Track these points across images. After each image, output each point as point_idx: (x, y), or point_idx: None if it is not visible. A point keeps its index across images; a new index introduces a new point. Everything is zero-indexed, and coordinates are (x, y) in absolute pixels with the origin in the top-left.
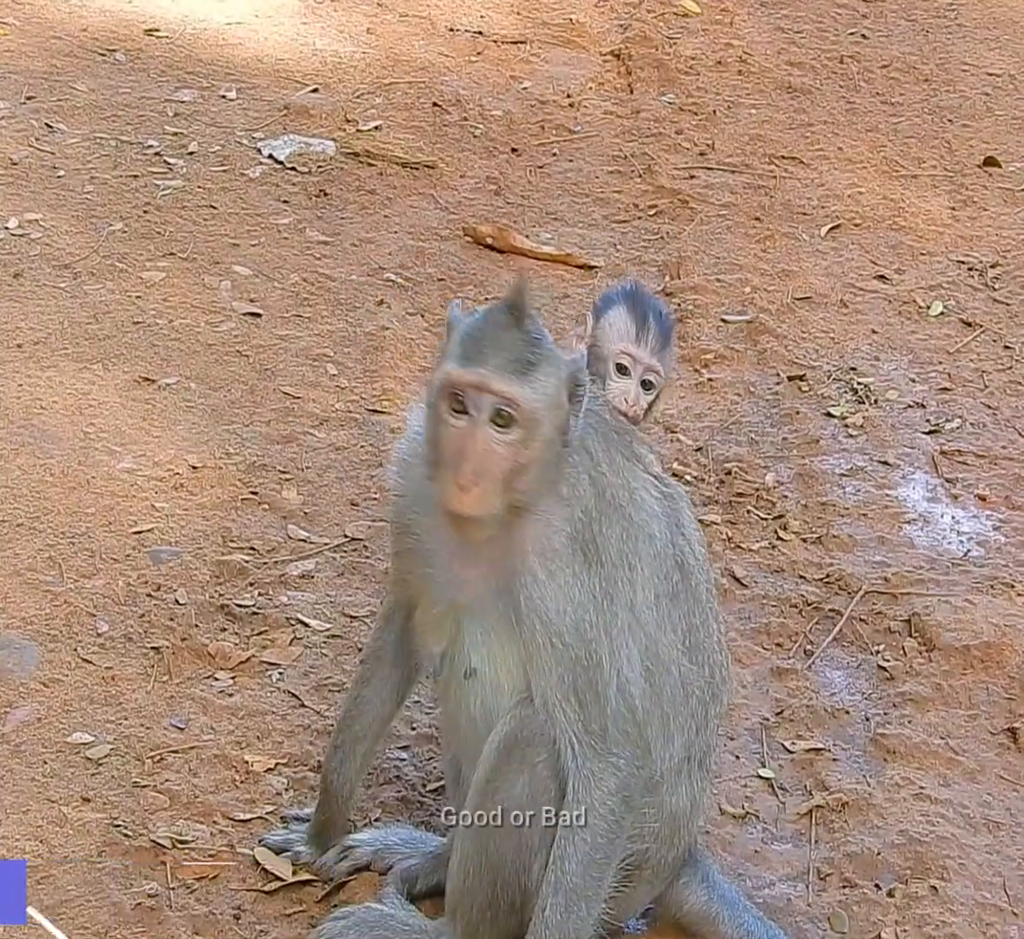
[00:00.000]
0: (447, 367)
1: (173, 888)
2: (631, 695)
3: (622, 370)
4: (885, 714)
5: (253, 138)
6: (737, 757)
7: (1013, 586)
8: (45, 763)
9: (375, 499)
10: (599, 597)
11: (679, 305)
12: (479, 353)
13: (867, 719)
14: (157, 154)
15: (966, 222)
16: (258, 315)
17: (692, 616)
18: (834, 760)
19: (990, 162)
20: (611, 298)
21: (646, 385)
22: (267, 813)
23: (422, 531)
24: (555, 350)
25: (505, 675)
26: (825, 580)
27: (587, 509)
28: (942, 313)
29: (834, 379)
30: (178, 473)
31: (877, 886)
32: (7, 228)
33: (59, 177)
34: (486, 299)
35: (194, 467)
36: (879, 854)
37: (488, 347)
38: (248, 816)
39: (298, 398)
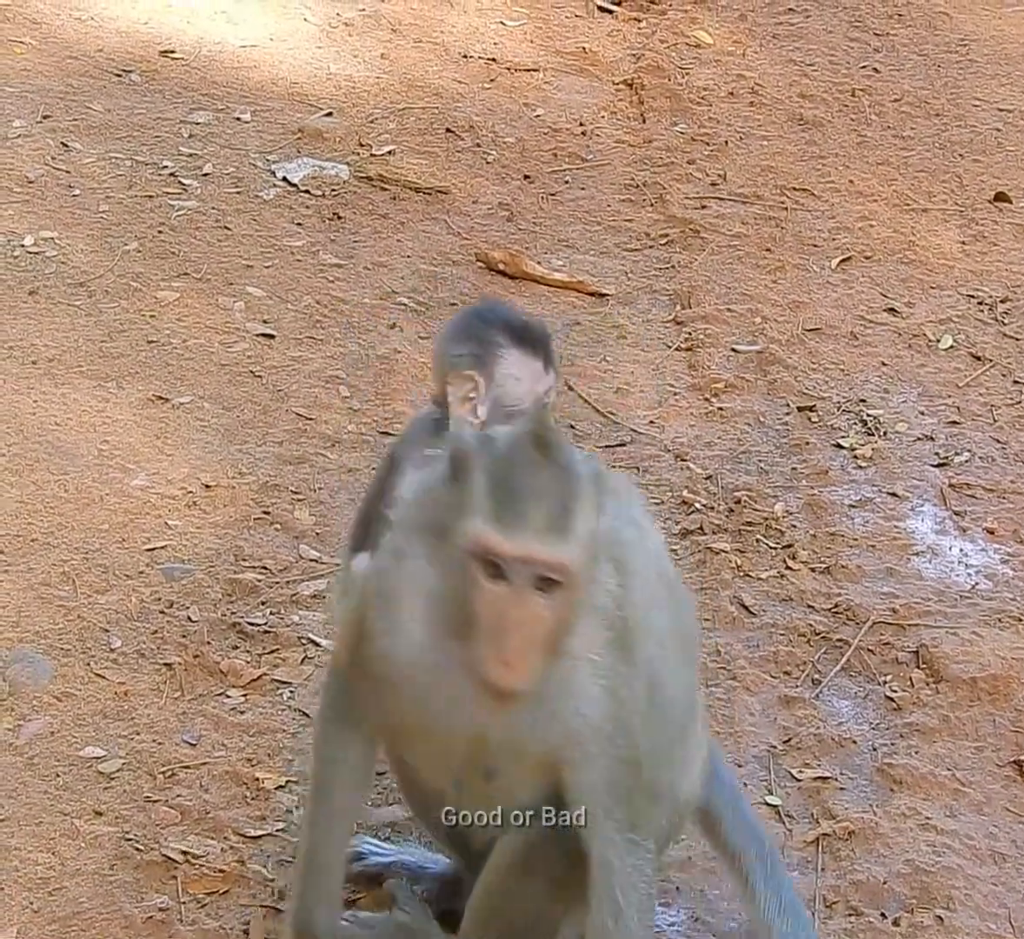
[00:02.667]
0: (478, 528)
1: (184, 902)
2: (678, 788)
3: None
4: (892, 744)
5: (267, 160)
6: (745, 784)
7: (1021, 620)
8: (58, 776)
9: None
10: (641, 691)
11: (690, 334)
12: (515, 513)
13: (874, 749)
14: (172, 175)
15: (976, 256)
16: (271, 336)
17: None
18: (841, 789)
19: (1001, 197)
20: (491, 341)
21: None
22: (277, 830)
23: (428, 683)
24: (575, 465)
25: (529, 774)
26: (833, 610)
27: (616, 597)
28: (952, 347)
29: (844, 410)
30: (191, 491)
31: (883, 915)
32: (23, 246)
33: (74, 196)
34: None
35: (207, 486)
36: (885, 883)
37: (523, 503)
38: (259, 832)
39: (311, 419)
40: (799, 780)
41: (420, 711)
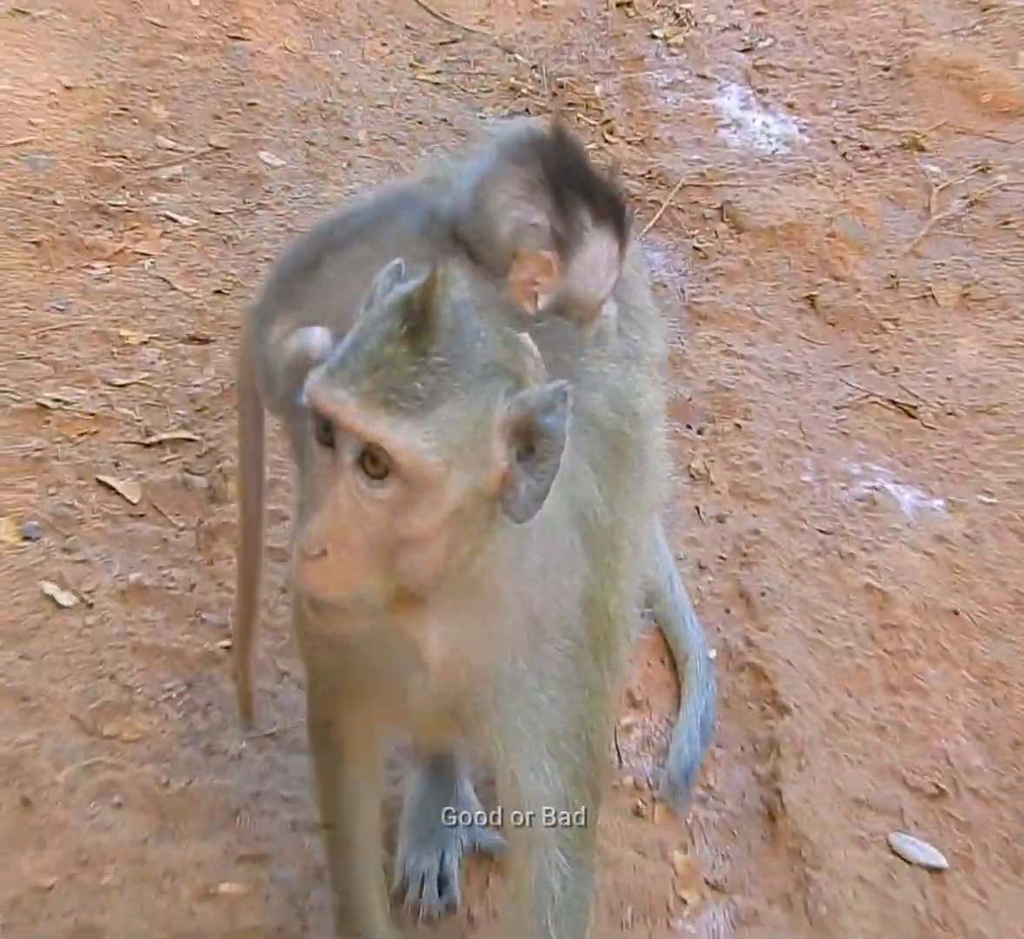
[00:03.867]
0: (313, 375)
1: (58, 442)
2: None
3: None
4: (698, 287)
5: None
6: None
7: (814, 176)
8: None
9: (237, 113)
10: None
11: None
12: (348, 369)
13: (682, 291)
14: None
15: None
16: None
17: None
18: None
19: None
20: (577, 218)
21: None
22: (143, 378)
23: None
24: (487, 376)
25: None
26: (647, 176)
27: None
28: None
29: (658, 5)
30: (53, 93)
31: (689, 426)
32: None
33: None
34: None
35: (68, 87)
36: (690, 400)
37: (363, 362)
38: (125, 381)
39: (164, 27)
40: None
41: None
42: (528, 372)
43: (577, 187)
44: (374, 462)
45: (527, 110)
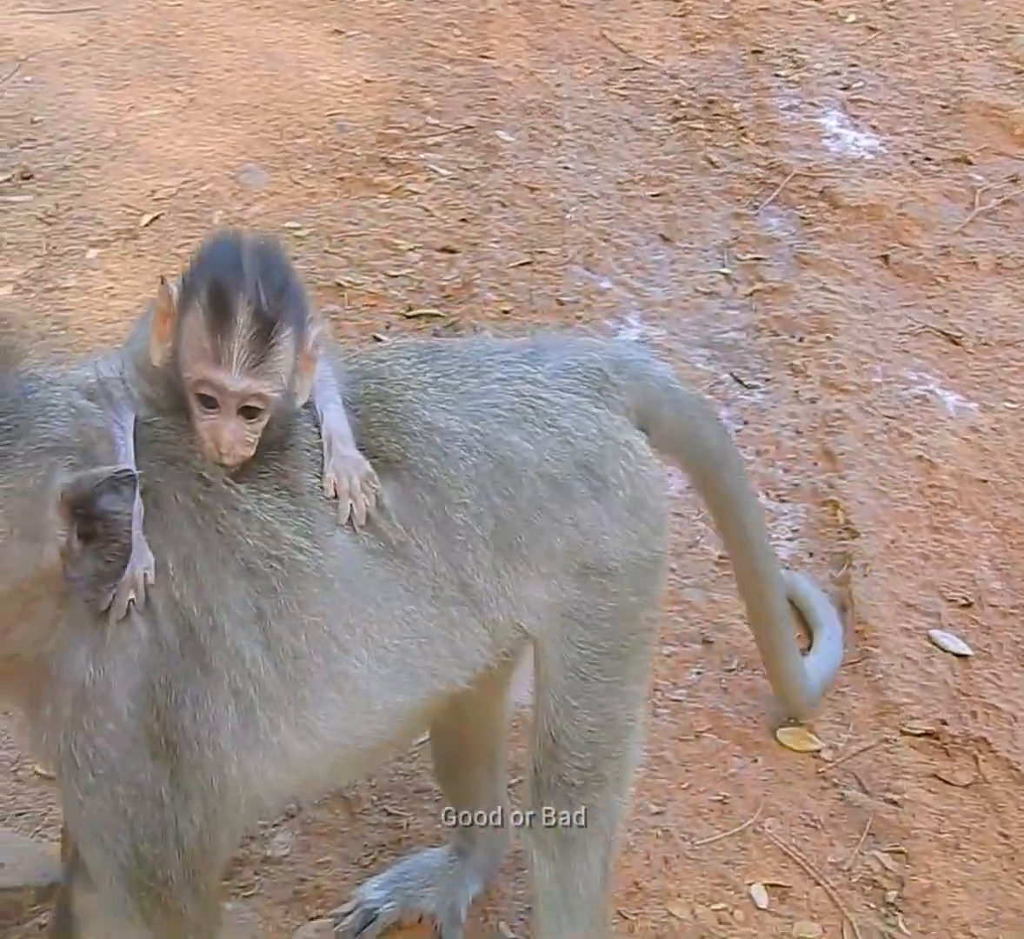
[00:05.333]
0: None
1: (348, 310)
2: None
3: (208, 402)
4: (804, 243)
5: None
6: (707, 259)
7: (890, 174)
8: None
9: (483, 104)
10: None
11: (684, 5)
12: None
13: (791, 246)
14: None
15: None
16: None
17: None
18: (769, 266)
19: None
20: (194, 283)
21: (248, 413)
22: (408, 273)
23: None
24: (47, 450)
25: None
26: (769, 166)
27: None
28: (854, 20)
29: (781, 55)
30: (357, 84)
31: (792, 335)
32: None
33: None
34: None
35: (368, 80)
36: (795, 319)
37: None
38: (396, 273)
39: (435, 46)
40: (742, 260)
41: None
42: (99, 453)
43: (205, 271)
44: None
45: (686, 116)
